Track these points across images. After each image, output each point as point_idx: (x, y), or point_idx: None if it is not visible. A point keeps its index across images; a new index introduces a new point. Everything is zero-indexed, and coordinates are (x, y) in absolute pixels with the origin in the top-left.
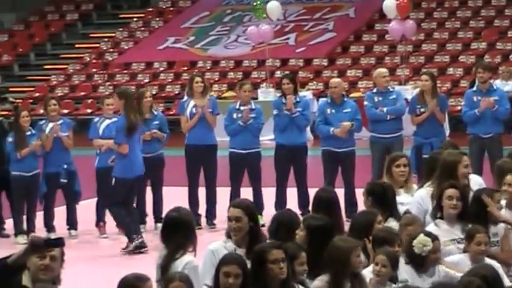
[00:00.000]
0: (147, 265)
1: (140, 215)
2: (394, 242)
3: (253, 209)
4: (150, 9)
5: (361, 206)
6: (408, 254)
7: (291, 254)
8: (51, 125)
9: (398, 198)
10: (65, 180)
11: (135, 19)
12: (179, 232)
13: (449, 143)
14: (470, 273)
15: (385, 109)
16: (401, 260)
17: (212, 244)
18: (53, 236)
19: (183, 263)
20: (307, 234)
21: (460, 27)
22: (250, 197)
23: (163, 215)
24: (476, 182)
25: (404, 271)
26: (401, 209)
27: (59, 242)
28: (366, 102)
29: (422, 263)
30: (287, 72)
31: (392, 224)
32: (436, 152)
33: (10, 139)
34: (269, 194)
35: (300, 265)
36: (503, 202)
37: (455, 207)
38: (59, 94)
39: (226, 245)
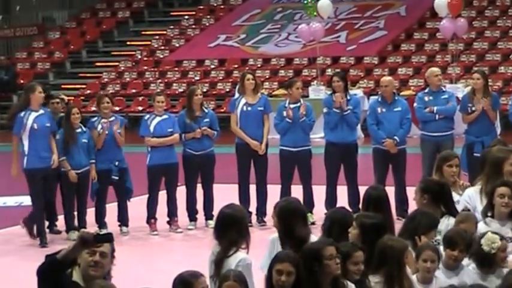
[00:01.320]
0: (200, 262)
1: (191, 212)
2: (460, 244)
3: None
4: (201, 7)
5: (411, 204)
6: (477, 253)
7: (345, 252)
8: (103, 121)
9: None
10: (117, 177)
11: (186, 17)
12: (233, 229)
13: (499, 141)
14: None
15: (434, 109)
16: (464, 265)
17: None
18: (103, 232)
19: (236, 259)
20: (360, 233)
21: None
22: (301, 195)
23: (214, 212)
24: None
25: (467, 275)
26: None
27: (108, 237)
28: (415, 104)
29: (490, 262)
30: (338, 70)
31: (450, 222)
32: (487, 150)
33: (58, 136)
34: (319, 192)
35: (354, 264)
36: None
37: (506, 205)
38: (110, 91)
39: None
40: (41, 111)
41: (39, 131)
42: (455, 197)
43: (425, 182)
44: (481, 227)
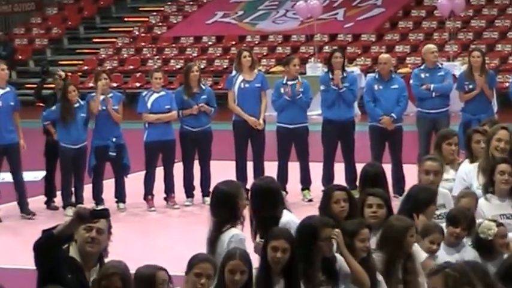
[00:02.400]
0: (196, 238)
1: (188, 189)
2: (462, 222)
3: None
4: None
5: (408, 182)
6: (476, 241)
7: (352, 230)
8: (102, 97)
9: (445, 175)
10: (114, 154)
11: None
12: (227, 205)
13: (490, 120)
14: None
15: (431, 86)
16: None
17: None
18: (100, 208)
19: (229, 235)
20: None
21: (509, 4)
22: (298, 172)
23: (211, 189)
24: None
25: (468, 253)
26: (446, 185)
27: (104, 213)
28: (411, 81)
29: (489, 249)
30: (335, 47)
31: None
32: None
33: (54, 107)
34: (316, 169)
35: (361, 242)
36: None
37: (506, 182)
38: (108, 67)
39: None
40: (7, 89)
41: (2, 109)
42: (454, 174)
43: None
44: (482, 203)
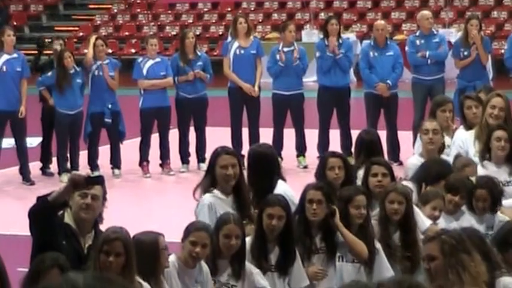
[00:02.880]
0: (192, 204)
1: (184, 155)
2: (461, 191)
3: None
4: None
5: (403, 149)
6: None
7: (347, 196)
8: (98, 63)
9: None
10: (109, 120)
11: None
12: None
13: (485, 87)
14: None
15: (427, 53)
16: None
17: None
18: (94, 174)
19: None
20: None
21: None
22: (293, 138)
23: (207, 155)
24: None
25: (467, 221)
26: (445, 152)
27: (99, 180)
28: (407, 48)
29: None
30: (331, 14)
31: None
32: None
33: (50, 73)
34: (312, 136)
35: (356, 208)
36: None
37: (503, 149)
38: (103, 34)
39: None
40: (14, 55)
41: (8, 74)
42: (448, 141)
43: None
44: (479, 170)
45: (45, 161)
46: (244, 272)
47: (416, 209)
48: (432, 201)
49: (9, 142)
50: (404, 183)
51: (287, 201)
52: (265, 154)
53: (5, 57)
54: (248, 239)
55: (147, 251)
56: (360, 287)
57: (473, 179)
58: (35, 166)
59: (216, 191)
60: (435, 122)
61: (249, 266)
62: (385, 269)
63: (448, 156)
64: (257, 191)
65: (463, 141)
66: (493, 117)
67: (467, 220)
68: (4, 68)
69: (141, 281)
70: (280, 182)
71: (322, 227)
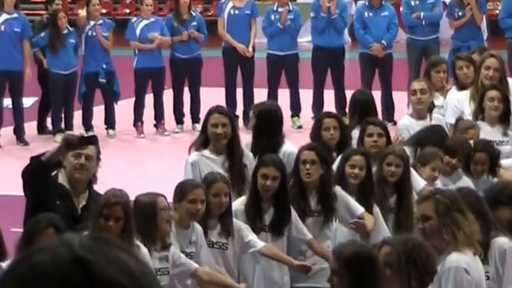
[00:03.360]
0: (182, 163)
1: (178, 115)
2: (459, 153)
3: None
4: None
5: (397, 109)
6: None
7: (345, 154)
8: (92, 23)
9: (435, 102)
10: (104, 80)
11: None
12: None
13: (479, 47)
14: None
15: (421, 14)
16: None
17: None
18: (88, 134)
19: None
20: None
21: None
22: (288, 99)
23: (201, 115)
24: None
25: (464, 183)
26: (439, 112)
27: (92, 140)
28: (402, 9)
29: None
30: None
31: None
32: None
33: (43, 34)
34: (306, 96)
35: (350, 167)
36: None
37: (496, 108)
38: None
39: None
40: (14, 15)
41: (6, 34)
42: (442, 101)
43: None
44: None
45: (42, 121)
46: (233, 229)
47: (411, 170)
48: (431, 162)
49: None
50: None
51: (282, 162)
52: (273, 111)
53: (4, 16)
54: (243, 199)
55: (144, 211)
56: (357, 247)
57: (471, 142)
58: (29, 126)
59: (205, 151)
60: (423, 82)
61: (237, 223)
62: (383, 231)
63: (443, 117)
64: (263, 149)
65: (458, 101)
66: (488, 79)
67: (464, 182)
68: (2, 28)
69: (139, 244)
70: (287, 142)
71: (318, 190)
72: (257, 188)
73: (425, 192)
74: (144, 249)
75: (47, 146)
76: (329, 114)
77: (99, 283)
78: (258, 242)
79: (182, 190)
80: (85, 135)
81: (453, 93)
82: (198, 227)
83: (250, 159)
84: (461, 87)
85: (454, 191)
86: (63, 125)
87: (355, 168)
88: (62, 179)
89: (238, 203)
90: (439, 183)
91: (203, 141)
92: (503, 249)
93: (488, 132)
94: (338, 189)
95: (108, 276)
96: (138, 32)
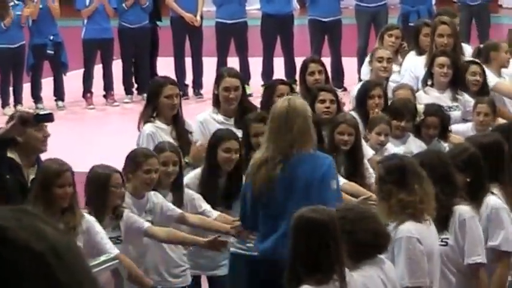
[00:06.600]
0: (136, 134)
1: (127, 86)
2: (406, 115)
3: (244, 79)
4: None
5: (347, 75)
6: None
7: (334, 122)
8: None
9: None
10: (52, 52)
11: None
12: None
13: (445, 10)
14: (469, 140)
15: None
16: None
17: (200, 115)
18: (41, 107)
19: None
20: None
21: None
22: (237, 67)
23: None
24: (465, 49)
25: (414, 144)
26: (393, 77)
27: (49, 117)
28: None
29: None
30: None
31: None
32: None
33: None
34: (256, 64)
35: (340, 134)
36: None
37: (445, 75)
38: None
39: (215, 116)
40: None
41: None
42: (396, 68)
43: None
44: (421, 95)
45: None
46: (184, 198)
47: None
48: (376, 127)
49: None
50: (352, 113)
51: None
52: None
53: None
54: (197, 171)
55: (97, 183)
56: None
57: (421, 106)
58: None
59: (157, 121)
60: (388, 51)
61: (189, 192)
62: None
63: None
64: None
65: (414, 67)
66: (444, 46)
67: (414, 142)
68: None
69: (84, 213)
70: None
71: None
72: (216, 161)
73: (372, 162)
74: (88, 217)
75: None
76: (282, 81)
77: (12, 248)
78: (212, 212)
79: (136, 160)
80: (41, 112)
81: (411, 58)
82: (152, 194)
83: (192, 127)
84: (421, 53)
85: (399, 161)
86: (12, 99)
87: (344, 135)
88: (11, 152)
89: (192, 176)
90: (391, 147)
91: (151, 112)
92: (463, 219)
93: (436, 98)
94: None
95: (23, 242)
96: (87, 1)
